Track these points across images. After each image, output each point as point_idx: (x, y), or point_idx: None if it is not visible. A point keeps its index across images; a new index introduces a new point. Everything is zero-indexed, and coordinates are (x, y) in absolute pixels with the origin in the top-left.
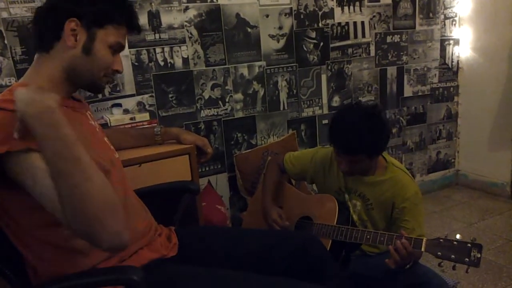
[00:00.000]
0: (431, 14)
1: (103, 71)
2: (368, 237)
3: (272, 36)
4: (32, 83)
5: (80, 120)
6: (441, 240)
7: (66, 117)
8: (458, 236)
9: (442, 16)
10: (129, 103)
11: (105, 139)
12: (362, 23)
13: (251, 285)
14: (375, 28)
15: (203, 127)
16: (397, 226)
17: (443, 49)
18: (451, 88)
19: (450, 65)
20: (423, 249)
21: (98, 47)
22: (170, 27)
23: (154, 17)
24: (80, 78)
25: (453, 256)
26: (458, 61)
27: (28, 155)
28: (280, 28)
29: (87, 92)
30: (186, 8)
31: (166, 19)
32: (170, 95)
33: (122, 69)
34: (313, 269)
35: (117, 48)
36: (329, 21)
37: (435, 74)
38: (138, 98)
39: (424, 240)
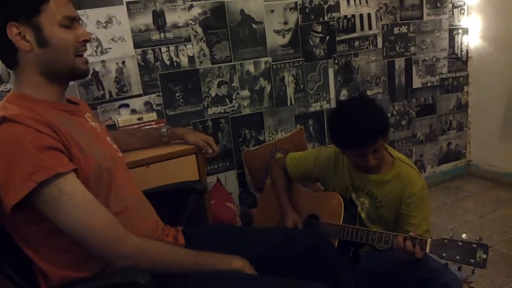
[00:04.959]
0: (438, 4)
1: (71, 52)
2: (373, 237)
3: (277, 32)
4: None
5: (78, 122)
6: (446, 241)
7: (62, 120)
8: (464, 236)
9: (450, 5)
10: (137, 103)
11: (108, 138)
12: (369, 15)
13: (260, 286)
14: (381, 19)
15: (210, 125)
16: (402, 222)
17: (451, 39)
18: (461, 78)
19: (459, 55)
20: (427, 250)
21: (50, 32)
22: (175, 26)
23: (158, 16)
24: (56, 71)
25: (458, 257)
26: (467, 50)
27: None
28: (286, 23)
29: (94, 93)
30: (191, 7)
31: (170, 18)
32: (177, 94)
33: (89, 36)
34: (322, 267)
35: (69, 21)
36: (334, 15)
37: (444, 64)
38: (145, 98)
39: (429, 241)
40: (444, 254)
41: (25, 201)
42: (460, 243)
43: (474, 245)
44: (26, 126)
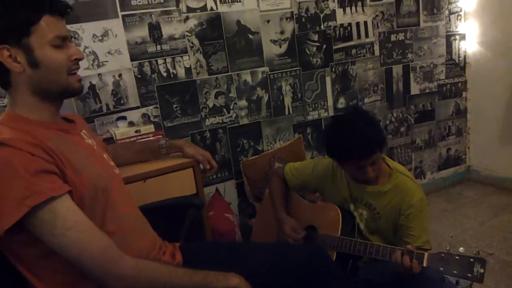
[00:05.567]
0: (435, 10)
1: (64, 71)
2: (371, 250)
3: (274, 41)
4: (17, 113)
5: (74, 141)
6: (443, 255)
7: (56, 140)
8: (461, 249)
9: (447, 12)
10: (134, 115)
11: (105, 155)
12: (365, 23)
13: None
14: (378, 27)
15: (208, 135)
16: (402, 233)
17: (449, 45)
18: (459, 84)
19: (457, 61)
20: (425, 264)
21: (42, 53)
22: (171, 38)
23: (154, 28)
24: (49, 91)
25: (455, 271)
26: (465, 56)
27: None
28: (282, 32)
29: (91, 106)
30: (187, 18)
31: (166, 30)
32: (174, 105)
33: (82, 55)
34: (319, 281)
35: (60, 41)
36: (331, 23)
37: (442, 71)
38: (143, 110)
39: (426, 255)
40: (441, 269)
41: (19, 225)
42: (457, 257)
43: (471, 259)
44: (19, 150)
